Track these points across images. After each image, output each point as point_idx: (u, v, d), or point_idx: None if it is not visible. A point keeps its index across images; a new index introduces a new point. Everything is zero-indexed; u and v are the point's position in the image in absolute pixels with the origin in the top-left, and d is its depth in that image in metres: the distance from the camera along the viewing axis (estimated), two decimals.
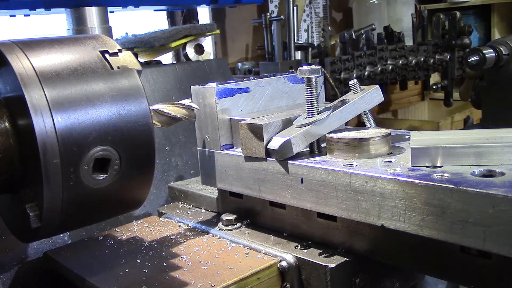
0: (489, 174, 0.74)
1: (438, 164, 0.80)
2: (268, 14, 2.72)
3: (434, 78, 3.46)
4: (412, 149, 0.81)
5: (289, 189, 0.93)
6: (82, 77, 0.75)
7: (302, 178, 0.91)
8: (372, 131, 0.93)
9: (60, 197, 0.72)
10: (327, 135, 0.94)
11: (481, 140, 0.80)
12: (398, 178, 0.77)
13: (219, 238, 1.06)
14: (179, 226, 1.16)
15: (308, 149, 0.97)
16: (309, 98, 0.94)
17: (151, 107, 0.86)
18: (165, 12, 2.91)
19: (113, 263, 0.98)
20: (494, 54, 1.67)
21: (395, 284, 0.98)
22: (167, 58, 2.20)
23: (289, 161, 0.92)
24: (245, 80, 1.08)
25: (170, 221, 1.20)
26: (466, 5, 4.03)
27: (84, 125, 0.72)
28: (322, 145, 0.97)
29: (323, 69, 2.20)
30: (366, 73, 2.66)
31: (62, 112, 0.71)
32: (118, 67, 0.79)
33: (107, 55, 0.79)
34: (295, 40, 2.75)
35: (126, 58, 0.81)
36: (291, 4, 2.67)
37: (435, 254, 0.80)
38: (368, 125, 1.01)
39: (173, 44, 1.72)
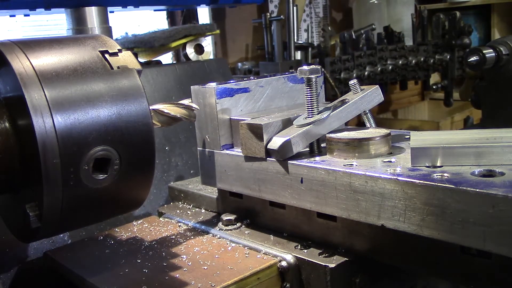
0: (489, 174, 0.74)
1: (438, 164, 0.80)
2: (268, 14, 2.72)
3: (434, 78, 3.46)
4: (412, 149, 0.81)
5: (289, 189, 0.93)
6: (82, 77, 0.75)
7: (302, 178, 0.90)
8: (372, 131, 0.93)
9: (60, 197, 0.72)
10: (327, 135, 0.94)
11: (481, 140, 0.80)
12: (398, 178, 0.77)
13: (219, 238, 1.06)
14: (179, 226, 1.16)
15: (308, 149, 0.97)
16: (309, 98, 0.94)
17: (151, 107, 0.86)
18: (165, 12, 2.91)
19: (113, 263, 0.98)
20: (494, 54, 1.67)
21: (395, 284, 0.98)
22: (167, 58, 2.20)
23: (289, 161, 0.92)
24: (245, 80, 1.08)
25: (170, 221, 1.20)
26: (466, 5, 4.04)
27: (84, 125, 0.72)
28: (322, 145, 0.97)
29: (323, 69, 2.20)
30: (366, 73, 2.66)
31: (62, 112, 0.71)
32: (118, 67, 0.79)
33: (107, 55, 0.79)
34: (295, 40, 2.75)
35: (126, 58, 0.81)
36: (291, 4, 2.67)
37: (435, 254, 0.80)
38: (368, 125, 1.01)
39: (173, 44, 1.72)
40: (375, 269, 0.93)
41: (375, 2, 3.64)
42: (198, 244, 1.04)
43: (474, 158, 0.78)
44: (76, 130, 0.71)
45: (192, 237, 1.08)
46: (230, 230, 1.08)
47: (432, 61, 2.93)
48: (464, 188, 0.69)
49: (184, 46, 1.75)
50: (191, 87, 1.07)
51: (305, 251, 0.94)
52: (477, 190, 0.68)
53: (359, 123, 2.41)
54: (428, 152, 0.80)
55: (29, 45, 0.75)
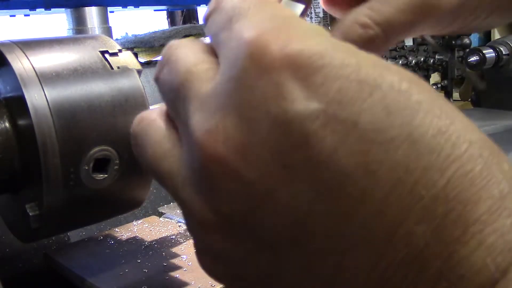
0: None
1: None
2: None
3: (434, 78, 3.46)
4: None
5: None
6: (82, 77, 0.75)
7: None
8: None
9: (60, 197, 0.72)
10: None
11: None
12: None
13: None
14: (179, 226, 1.16)
15: None
16: None
17: (151, 107, 0.86)
18: (165, 12, 2.91)
19: (113, 263, 0.98)
20: (494, 54, 1.68)
21: None
22: None
23: None
24: None
25: (170, 221, 1.20)
26: None
27: (84, 125, 0.72)
28: None
29: None
30: None
31: (62, 112, 0.71)
32: (118, 67, 0.79)
33: (107, 55, 0.79)
34: None
35: (126, 58, 0.81)
36: None
37: None
38: None
39: None
40: None
41: None
42: None
43: None
44: (76, 130, 0.71)
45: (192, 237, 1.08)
46: None
47: (432, 61, 2.93)
48: None
49: None
50: None
51: None
52: None
53: None
54: None
55: (29, 45, 0.75)
